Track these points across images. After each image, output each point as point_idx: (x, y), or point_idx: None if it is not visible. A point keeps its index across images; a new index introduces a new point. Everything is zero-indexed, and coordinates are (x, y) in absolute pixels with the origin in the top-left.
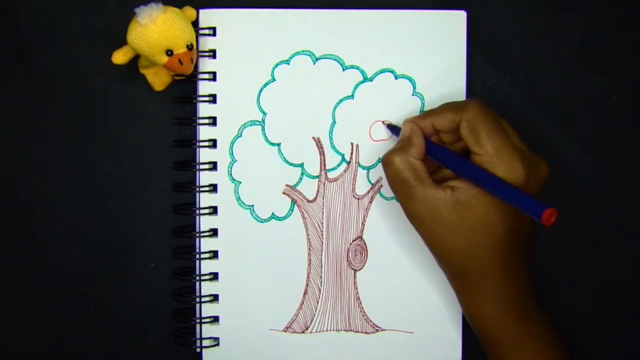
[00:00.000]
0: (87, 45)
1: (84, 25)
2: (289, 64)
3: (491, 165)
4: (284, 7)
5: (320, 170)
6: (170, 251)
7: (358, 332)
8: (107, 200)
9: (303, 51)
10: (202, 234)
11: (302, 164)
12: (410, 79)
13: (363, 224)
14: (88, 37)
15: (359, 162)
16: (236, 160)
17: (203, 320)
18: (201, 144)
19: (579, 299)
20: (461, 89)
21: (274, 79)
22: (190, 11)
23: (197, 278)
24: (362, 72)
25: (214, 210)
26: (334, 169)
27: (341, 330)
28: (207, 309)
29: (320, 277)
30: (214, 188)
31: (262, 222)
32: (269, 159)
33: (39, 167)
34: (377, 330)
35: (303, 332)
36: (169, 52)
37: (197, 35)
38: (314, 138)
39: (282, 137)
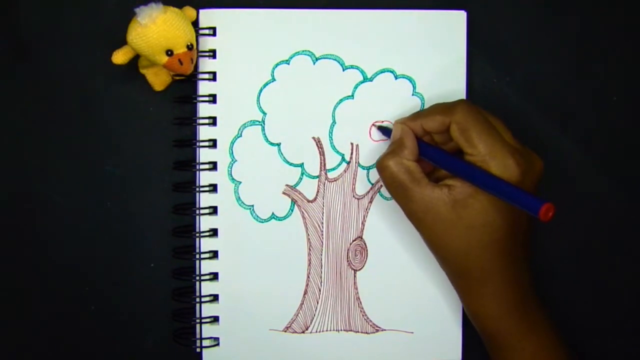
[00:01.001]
0: (87, 45)
1: (84, 25)
2: (289, 64)
3: (485, 165)
4: (284, 7)
5: (320, 170)
6: (170, 251)
7: (358, 332)
8: (107, 200)
9: (303, 51)
10: (202, 234)
11: (302, 164)
12: (410, 79)
13: (363, 224)
14: (88, 37)
15: (359, 162)
16: (236, 160)
17: (203, 320)
18: (201, 144)
19: (578, 298)
20: (461, 89)
21: (274, 79)
22: (190, 11)
23: (197, 278)
24: (362, 72)
25: (214, 210)
26: (334, 169)
27: (341, 330)
28: (207, 309)
29: (320, 277)
30: (214, 188)
31: (262, 222)
32: (269, 159)
33: (39, 167)
34: (377, 330)
35: (303, 332)
36: (169, 52)
37: (197, 35)
38: (314, 138)
39: (282, 137)
